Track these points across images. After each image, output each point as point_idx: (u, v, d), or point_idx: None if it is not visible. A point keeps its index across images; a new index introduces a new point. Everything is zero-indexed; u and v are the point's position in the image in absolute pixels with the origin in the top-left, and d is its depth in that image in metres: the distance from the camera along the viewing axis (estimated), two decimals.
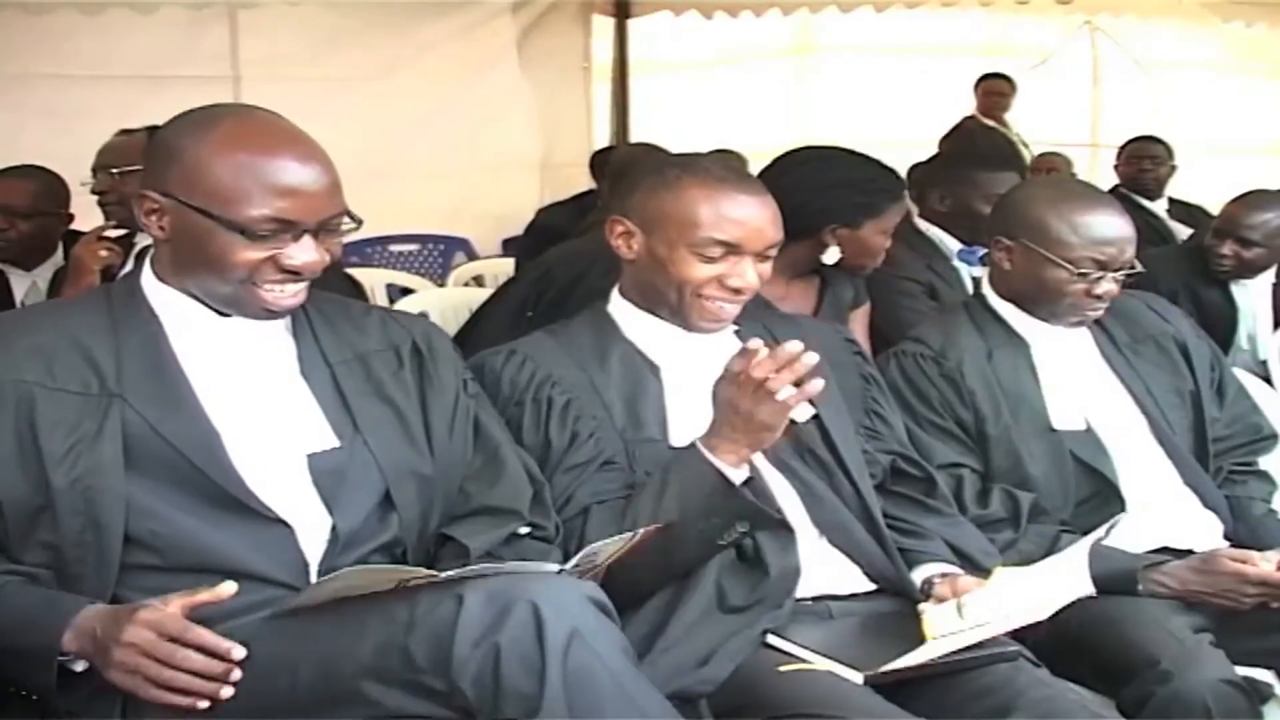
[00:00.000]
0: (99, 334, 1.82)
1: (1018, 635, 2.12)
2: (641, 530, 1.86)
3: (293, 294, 1.83)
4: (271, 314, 1.85)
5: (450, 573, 1.63)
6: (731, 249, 2.12)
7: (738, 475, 1.99)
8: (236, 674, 1.61)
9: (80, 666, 1.68)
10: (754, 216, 2.14)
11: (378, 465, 1.87)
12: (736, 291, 2.15)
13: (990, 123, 7.81)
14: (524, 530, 1.97)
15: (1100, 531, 2.08)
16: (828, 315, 3.04)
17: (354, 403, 1.90)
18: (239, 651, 1.61)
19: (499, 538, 1.93)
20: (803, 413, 2.18)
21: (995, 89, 7.93)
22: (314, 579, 1.79)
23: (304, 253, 1.80)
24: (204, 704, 1.61)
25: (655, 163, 2.26)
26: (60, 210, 3.74)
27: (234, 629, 1.67)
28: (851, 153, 3.10)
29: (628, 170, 2.68)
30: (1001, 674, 1.98)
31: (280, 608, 1.72)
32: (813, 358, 1.92)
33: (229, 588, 1.67)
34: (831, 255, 2.99)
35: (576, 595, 1.61)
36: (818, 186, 2.91)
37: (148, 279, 1.87)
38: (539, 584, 1.60)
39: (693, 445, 2.02)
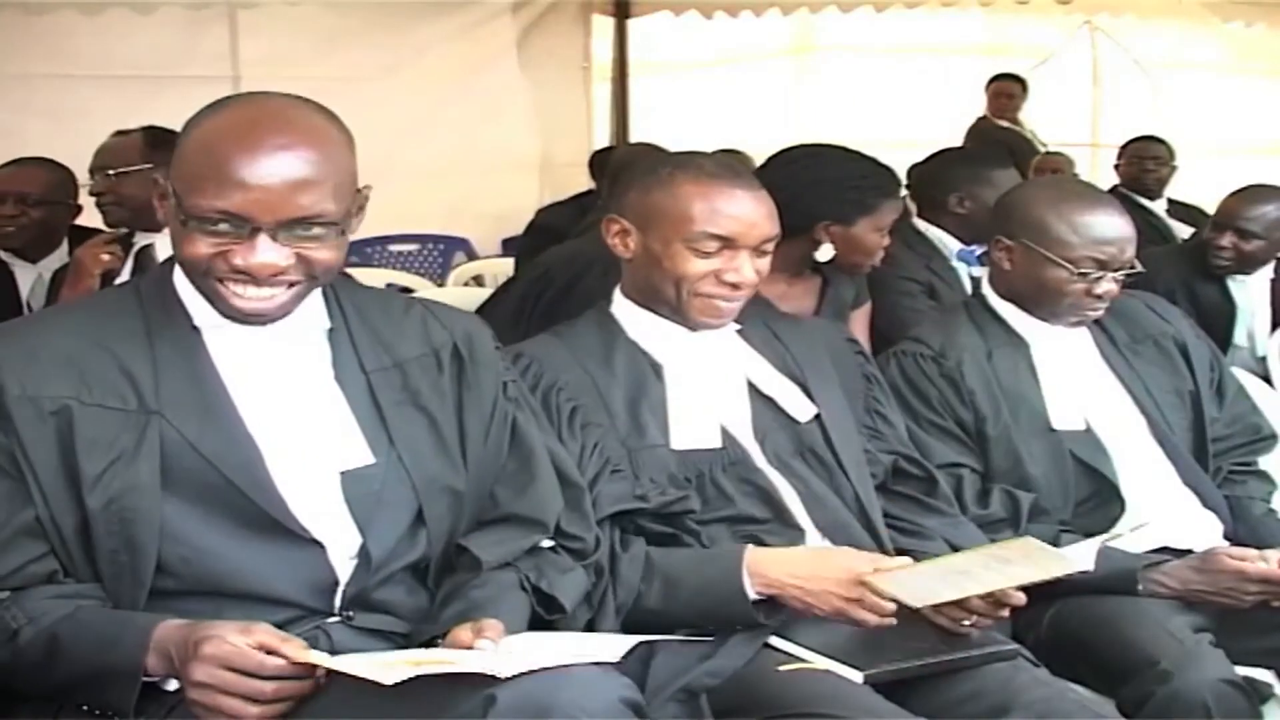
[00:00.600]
0: (132, 341, 1.72)
1: (1017, 635, 2.13)
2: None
3: (259, 298, 1.69)
4: (246, 317, 1.71)
5: (486, 663, 1.51)
6: (727, 243, 2.12)
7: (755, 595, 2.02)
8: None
9: (173, 686, 1.61)
10: (748, 211, 2.13)
11: (411, 483, 1.79)
12: (734, 286, 2.14)
13: (1004, 123, 7.80)
14: (547, 543, 1.91)
15: (1117, 529, 2.09)
16: (828, 315, 3.03)
17: (389, 414, 1.80)
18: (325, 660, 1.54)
19: (519, 549, 1.86)
20: (804, 413, 2.20)
21: (1005, 90, 7.93)
22: (339, 600, 1.74)
23: (254, 254, 1.65)
24: None
25: (650, 161, 2.25)
26: (70, 201, 3.79)
27: None
28: (844, 150, 3.09)
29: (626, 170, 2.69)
30: (1000, 673, 1.98)
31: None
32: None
33: (321, 659, 1.56)
34: (825, 253, 2.97)
35: (613, 700, 1.51)
36: (808, 183, 2.90)
37: (180, 279, 1.76)
38: (575, 688, 1.49)
39: (736, 557, 2.02)
